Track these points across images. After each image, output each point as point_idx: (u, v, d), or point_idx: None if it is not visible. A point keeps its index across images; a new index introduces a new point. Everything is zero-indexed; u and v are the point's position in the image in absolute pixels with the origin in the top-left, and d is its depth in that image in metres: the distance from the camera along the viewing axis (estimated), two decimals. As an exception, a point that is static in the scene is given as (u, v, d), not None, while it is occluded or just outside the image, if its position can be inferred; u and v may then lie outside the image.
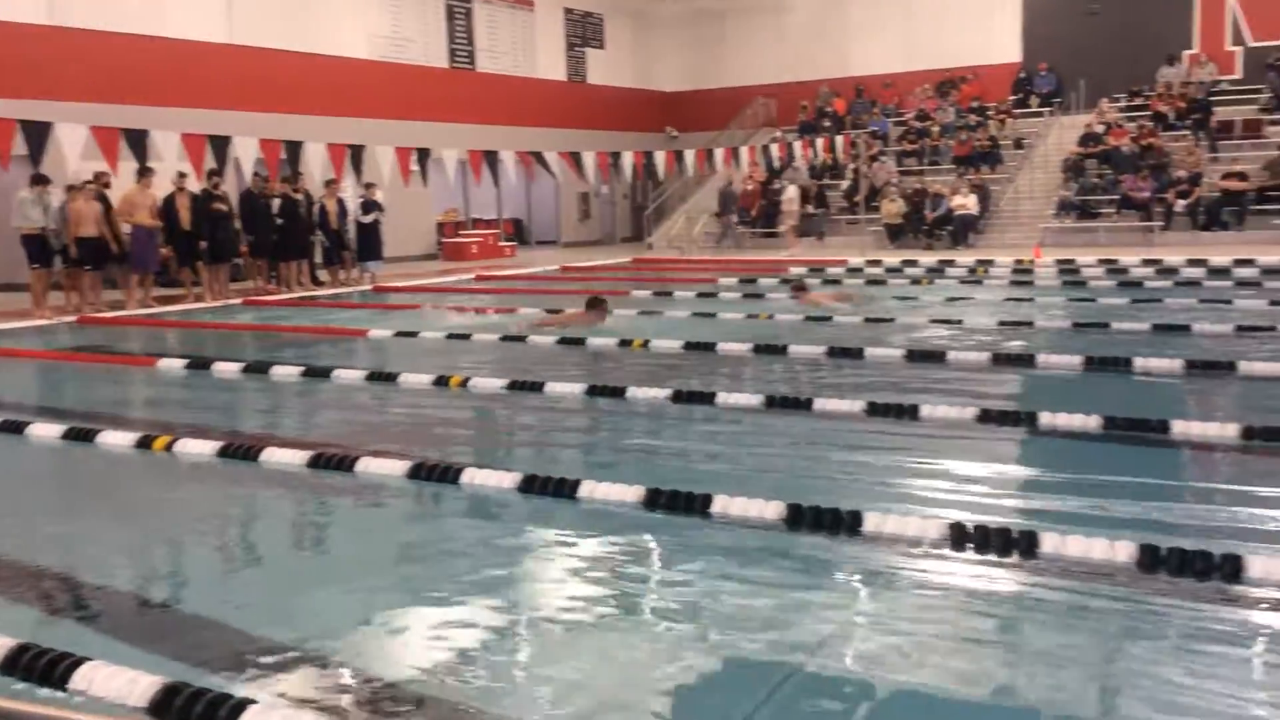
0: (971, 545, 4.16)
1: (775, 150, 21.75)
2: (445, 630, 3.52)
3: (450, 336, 10.61)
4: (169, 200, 15.09)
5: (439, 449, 6.13)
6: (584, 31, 28.49)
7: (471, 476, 5.16)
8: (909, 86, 26.68)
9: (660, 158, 19.32)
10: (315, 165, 15.70)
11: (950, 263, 17.44)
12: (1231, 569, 3.78)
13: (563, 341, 9.99)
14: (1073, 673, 3.16)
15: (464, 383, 7.79)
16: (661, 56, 30.60)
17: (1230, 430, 5.77)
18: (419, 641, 3.48)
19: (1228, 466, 5.60)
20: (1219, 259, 15.66)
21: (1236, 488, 5.33)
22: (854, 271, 16.98)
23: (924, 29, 26.73)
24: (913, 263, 17.77)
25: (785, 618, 3.58)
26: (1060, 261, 16.59)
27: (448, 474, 5.23)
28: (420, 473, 5.30)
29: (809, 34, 28.19)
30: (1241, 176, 19.45)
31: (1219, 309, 11.02)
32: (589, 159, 17.88)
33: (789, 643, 3.38)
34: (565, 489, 4.91)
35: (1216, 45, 23.96)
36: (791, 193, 22.56)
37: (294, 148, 15.25)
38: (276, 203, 16.41)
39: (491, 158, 17.03)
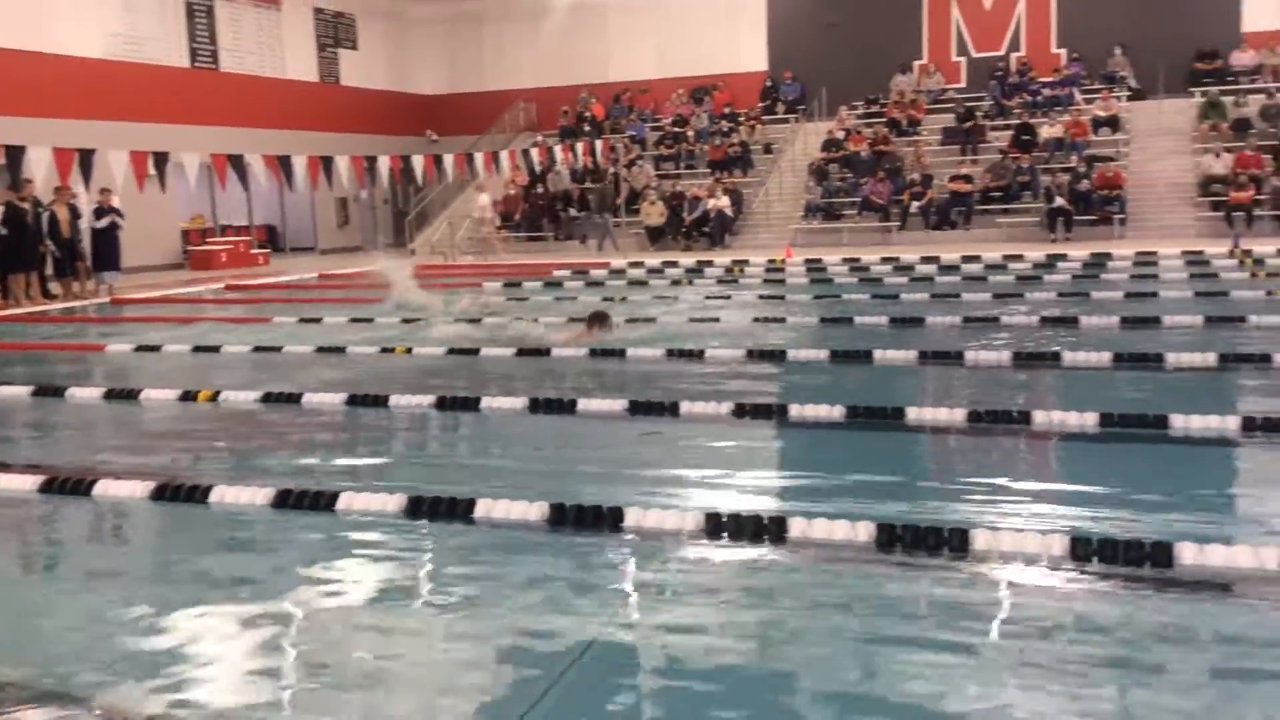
0: (727, 534, 4.32)
1: (536, 154, 21.85)
2: (202, 651, 3.36)
3: (198, 349, 10.10)
4: None
5: (187, 467, 5.84)
6: (335, 32, 27.73)
7: (222, 495, 4.94)
8: (664, 93, 27.37)
9: (419, 162, 19.04)
10: (40, 171, 14.59)
11: (708, 263, 17.99)
12: (959, 543, 4.08)
13: (321, 349, 9.69)
14: (832, 648, 3.35)
15: (214, 397, 7.44)
16: (419, 59, 30.17)
17: (959, 415, 6.22)
18: (174, 666, 3.30)
19: (958, 448, 6.04)
20: (949, 256, 16.83)
21: (965, 468, 5.78)
22: (616, 273, 17.26)
23: (677, 38, 27.48)
24: (673, 264, 18.24)
25: (552, 618, 3.61)
26: (809, 261, 17.41)
27: (195, 493, 4.99)
28: (166, 493, 5.03)
29: (567, 39, 28.46)
30: (967, 179, 20.99)
31: (950, 303, 11.85)
32: (343, 163, 17.42)
33: (559, 642, 3.41)
34: (323, 501, 4.77)
35: (944, 55, 25.78)
36: (484, 200, 22.64)
37: (15, 153, 14.12)
38: (-1, 211, 15.16)
39: (237, 161, 16.31)
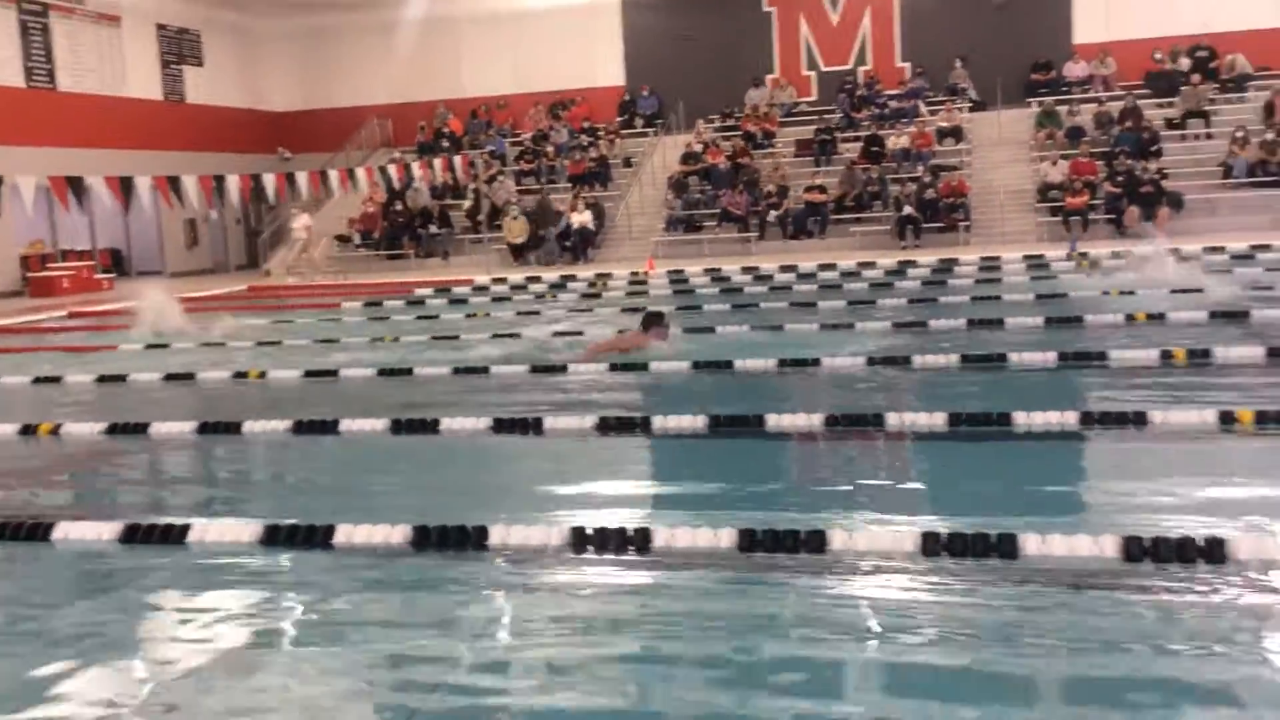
0: (592, 547, 4.34)
1: (394, 171, 21.55)
2: (49, 692, 3.21)
3: (38, 381, 9.63)
4: None
5: (28, 504, 5.56)
6: (180, 48, 26.84)
7: (65, 531, 4.72)
8: (523, 108, 27.32)
9: (271, 180, 18.57)
10: None
11: (572, 277, 18.03)
12: (817, 544, 4.18)
13: (169, 378, 9.35)
14: (701, 649, 3.39)
15: (55, 430, 7.11)
16: (269, 75, 29.43)
17: (817, 420, 6.38)
18: (19, 713, 3.14)
19: (816, 452, 6.19)
20: (806, 264, 17.24)
21: (824, 471, 5.93)
22: (480, 290, 17.14)
23: (533, 52, 27.46)
24: (537, 279, 18.21)
25: (418, 641, 3.57)
26: (671, 272, 17.60)
27: (38, 531, 4.76)
28: (6, 532, 4.78)
29: (421, 54, 28.14)
30: (821, 189, 21.55)
31: (807, 310, 12.14)
32: (190, 182, 16.86)
33: (425, 667, 3.38)
34: (174, 534, 4.61)
35: (795, 70, 26.41)
36: (302, 222, 22.32)
37: None
38: None
39: (77, 183, 15.63)
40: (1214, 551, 3.84)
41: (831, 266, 16.85)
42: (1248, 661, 3.17)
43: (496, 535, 4.41)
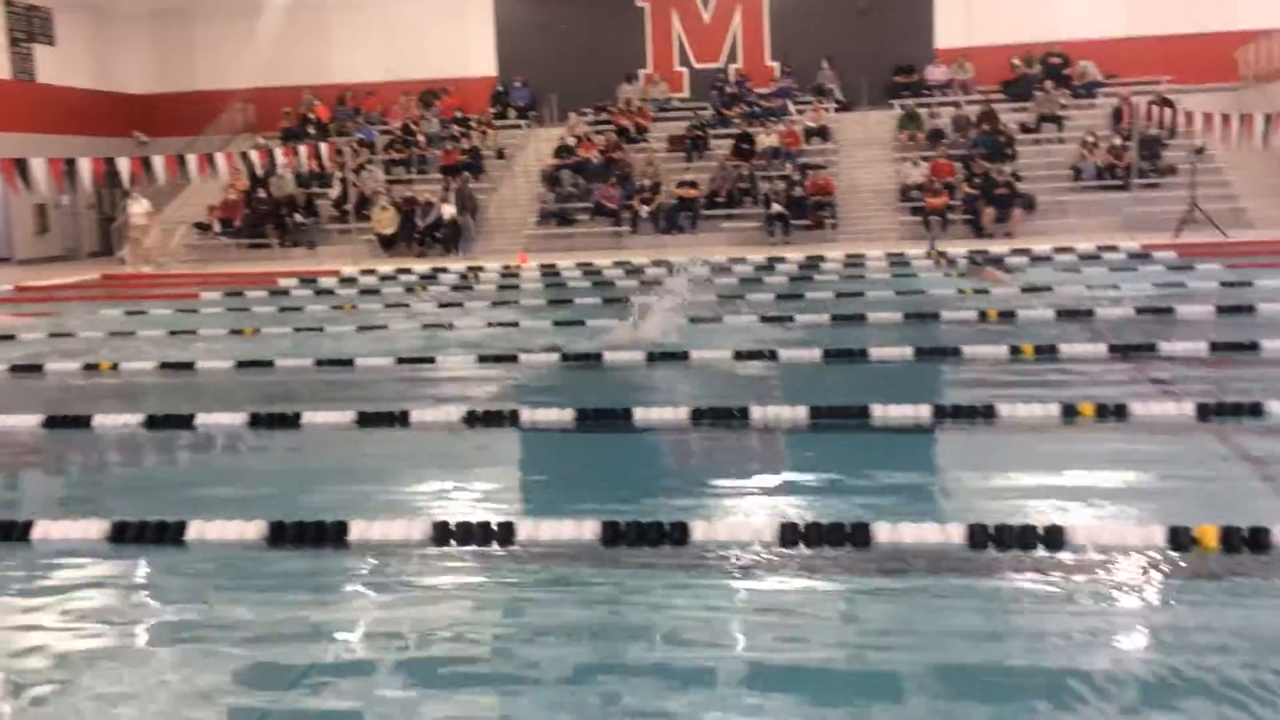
0: (454, 541, 4.32)
1: (256, 157, 20.94)
2: None
3: None
4: None
5: None
6: (29, 26, 25.55)
7: (-105, 532, 4.48)
8: (392, 96, 26.83)
9: (125, 164, 17.85)
10: None
11: (443, 270, 17.83)
12: (680, 536, 4.25)
13: (15, 369, 8.93)
14: (566, 646, 3.42)
15: (-114, 425, 6.73)
16: (125, 56, 28.23)
17: (682, 414, 6.46)
18: None
19: (682, 445, 6.27)
20: (677, 259, 17.39)
21: (689, 464, 6.01)
22: (348, 281, 16.81)
23: (404, 40, 27.00)
24: (407, 270, 17.96)
25: (273, 639, 3.51)
26: (544, 266, 17.56)
27: None
28: None
29: (286, 38, 27.39)
30: (692, 184, 21.76)
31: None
32: (38, 166, 16.09)
33: (280, 665, 3.33)
34: (16, 532, 4.42)
35: (667, 66, 26.59)
36: (140, 208, 21.65)
37: None
38: None
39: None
40: (1053, 538, 4.04)
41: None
42: (1082, 643, 3.34)
43: (357, 530, 4.35)
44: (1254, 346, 7.88)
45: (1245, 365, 7.56)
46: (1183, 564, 3.87)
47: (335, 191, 23.19)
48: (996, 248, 17.14)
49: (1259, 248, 15.44)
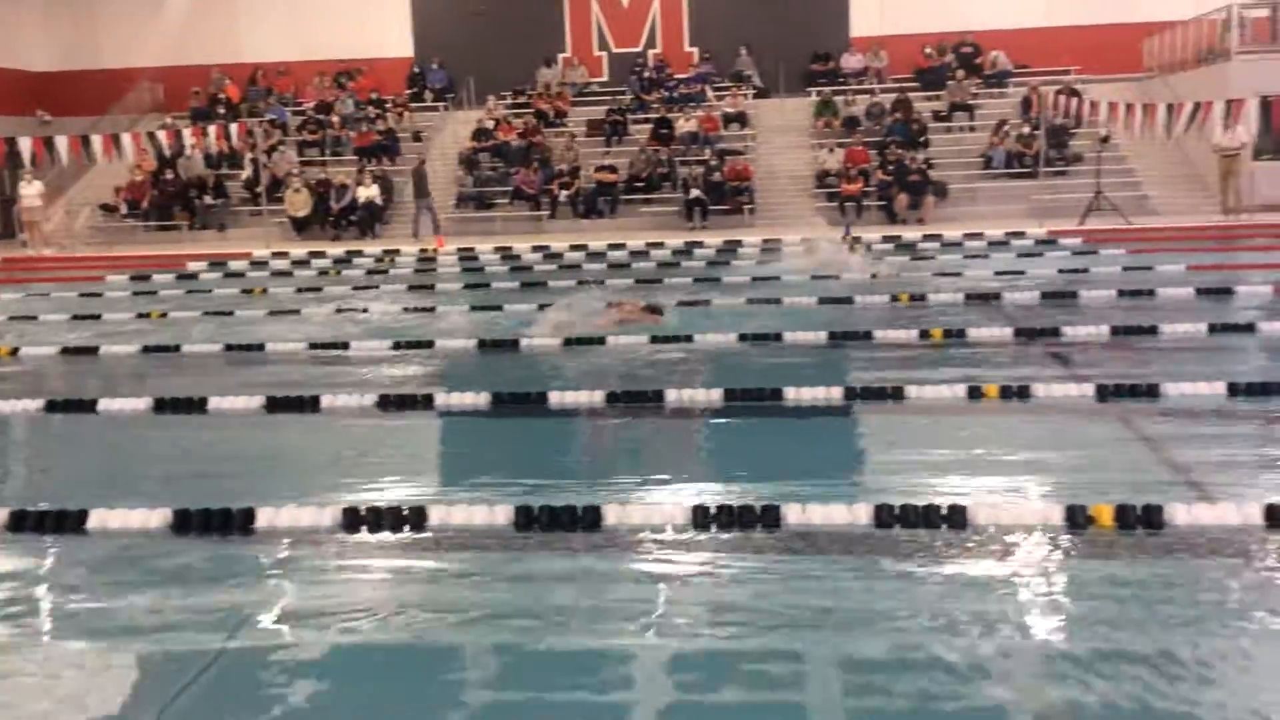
0: (367, 527, 4.28)
1: (164, 137, 20.40)
2: None
3: None
4: None
5: None
6: (-80, -4, 24.56)
7: None
8: (306, 76, 26.32)
9: (27, 144, 17.28)
10: None
11: (358, 253, 17.59)
12: (593, 520, 4.26)
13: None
14: (478, 627, 3.41)
15: None
16: (25, 32, 27.24)
17: (599, 397, 6.47)
18: None
19: (597, 429, 6.28)
20: (597, 243, 17.38)
21: (604, 447, 6.03)
22: (259, 265, 16.49)
23: (316, 18, 26.49)
24: (320, 254, 17.67)
25: (176, 628, 3.45)
26: (461, 250, 17.41)
27: None
28: None
29: (195, 15, 26.71)
30: (612, 169, 21.73)
31: (597, 289, 12.25)
32: (-67, 145, 15.50)
33: (183, 653, 3.27)
34: (-95, 524, 4.27)
35: (586, 50, 26.48)
36: (33, 189, 21.05)
37: None
38: None
39: None
40: (955, 517, 4.14)
41: (621, 246, 17.05)
42: (983, 617, 3.43)
43: (264, 517, 4.29)
44: (1153, 330, 8.13)
45: (1144, 348, 7.80)
46: (1080, 542, 3.99)
47: (246, 173, 22.70)
48: (910, 233, 17.43)
49: (1161, 234, 15.94)
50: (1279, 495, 4.28)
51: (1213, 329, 8.11)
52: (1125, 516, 4.04)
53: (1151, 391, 6.12)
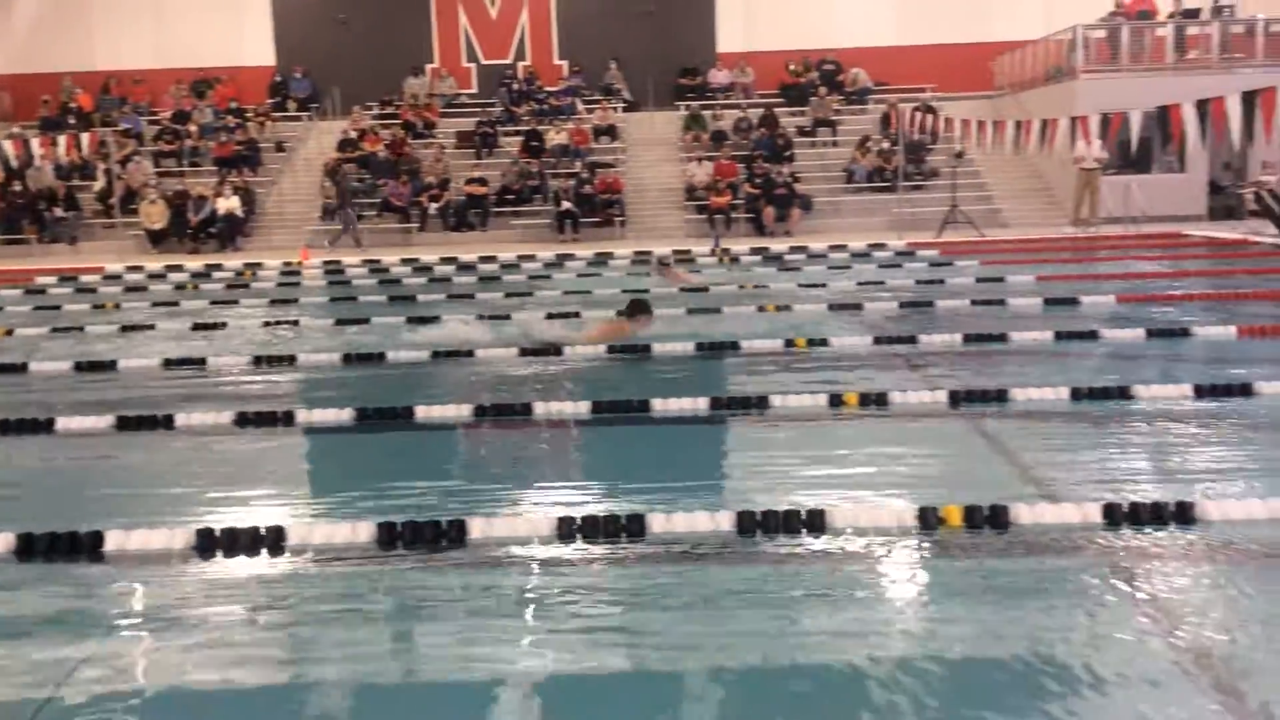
0: (221, 550, 4.17)
1: (10, 147, 19.50)
2: None
3: None
4: None
5: None
6: None
7: None
8: (162, 85, 25.51)
9: None
10: None
11: (218, 267, 17.09)
12: (457, 534, 4.23)
13: None
14: (343, 648, 3.35)
15: None
16: None
17: (465, 411, 6.43)
18: None
19: (464, 443, 6.23)
20: (467, 256, 17.25)
21: (470, 461, 5.99)
22: (112, 279, 15.86)
23: (173, 26, 25.69)
24: (178, 268, 17.11)
25: (14, 659, 3.30)
26: (327, 263, 17.07)
27: None
28: None
29: (45, 21, 25.63)
30: (482, 182, 21.62)
31: (465, 302, 12.17)
32: None
33: (24, 685, 3.13)
34: None
35: (455, 61, 26.30)
36: None
37: None
38: None
39: None
40: (815, 522, 4.24)
41: (492, 258, 16.96)
42: (841, 618, 3.52)
43: (114, 540, 4.14)
44: (1003, 338, 8.47)
45: (995, 355, 8.13)
46: (931, 542, 4.14)
47: (100, 184, 21.87)
48: (777, 245, 17.79)
49: (1012, 246, 16.62)
50: (1116, 494, 4.52)
51: (1059, 336, 8.50)
52: (973, 517, 4.20)
53: (1000, 396, 6.38)
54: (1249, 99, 12.80)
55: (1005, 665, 3.15)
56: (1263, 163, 18.09)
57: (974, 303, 10.55)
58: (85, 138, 21.14)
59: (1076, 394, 6.38)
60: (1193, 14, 21.77)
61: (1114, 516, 4.20)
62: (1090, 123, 15.83)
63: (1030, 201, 21.34)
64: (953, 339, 8.43)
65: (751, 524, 4.23)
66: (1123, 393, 6.44)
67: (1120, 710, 2.94)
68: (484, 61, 26.23)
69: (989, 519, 4.20)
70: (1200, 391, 6.38)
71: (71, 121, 23.87)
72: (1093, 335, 8.54)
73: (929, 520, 4.21)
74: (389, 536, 4.21)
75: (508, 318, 10.45)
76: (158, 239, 20.52)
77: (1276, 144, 15.64)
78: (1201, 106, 13.64)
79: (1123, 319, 9.41)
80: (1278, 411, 6.21)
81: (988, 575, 3.86)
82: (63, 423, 6.23)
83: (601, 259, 16.54)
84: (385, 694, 3.12)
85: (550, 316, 10.40)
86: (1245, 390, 6.39)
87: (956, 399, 6.36)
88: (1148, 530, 4.15)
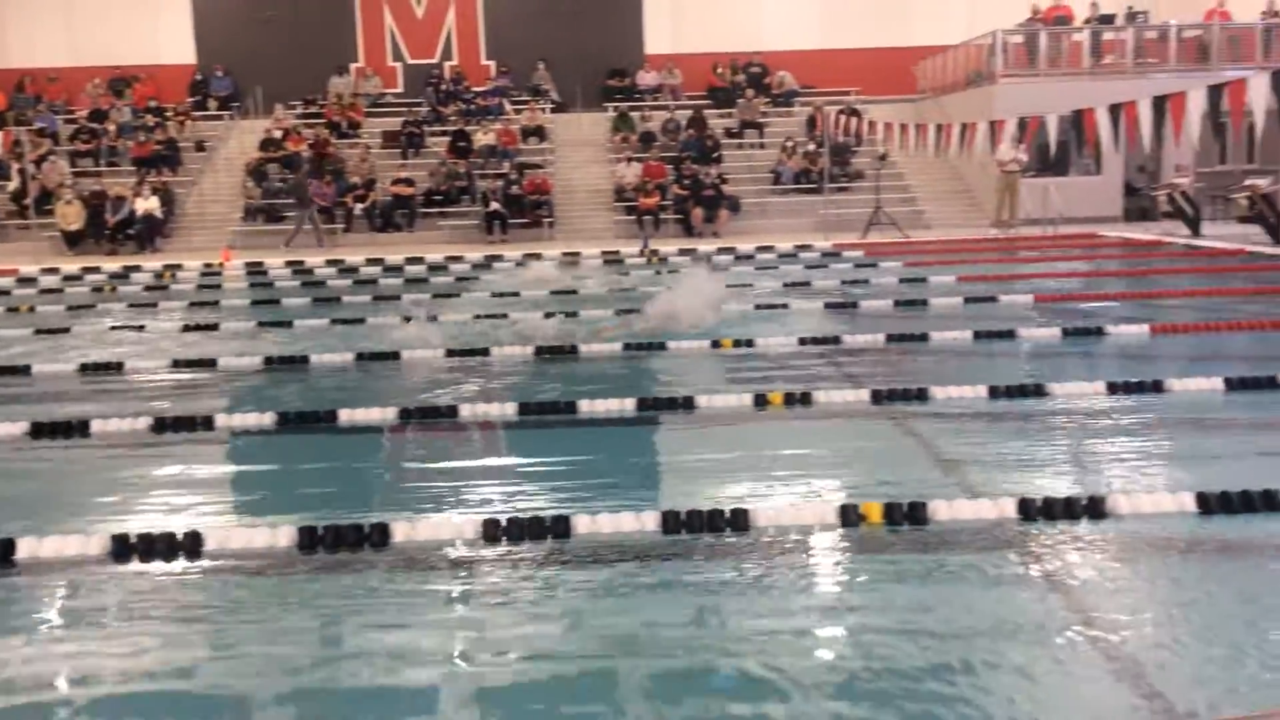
0: (136, 555, 4.09)
1: (-84, 146, 18.89)
2: None
3: None
4: None
5: None
6: None
7: None
8: (79, 82, 24.89)
9: None
10: None
11: (136, 268, 16.74)
12: (380, 537, 4.19)
13: None
14: (265, 653, 3.30)
15: None
16: None
17: (390, 413, 6.38)
18: None
19: (388, 445, 6.18)
20: (393, 257, 17.10)
21: (394, 464, 5.93)
22: (26, 281, 15.45)
23: (89, 23, 25.08)
24: (95, 269, 16.72)
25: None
26: (249, 264, 16.80)
27: None
28: None
29: (-48, 16, 24.88)
30: (409, 182, 21.43)
31: (391, 304, 12.05)
32: None
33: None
34: None
35: (380, 60, 26.01)
36: None
37: None
38: None
39: None
40: (739, 520, 4.28)
41: (419, 260, 16.83)
42: (762, 613, 3.56)
43: (25, 548, 4.04)
44: (924, 337, 8.61)
45: (916, 354, 8.27)
46: (852, 539, 4.20)
47: (13, 184, 21.28)
48: (705, 246, 17.89)
49: (934, 247, 16.91)
50: (1031, 490, 4.62)
51: (978, 336, 8.67)
52: (893, 514, 4.27)
53: (921, 395, 6.49)
54: (1159, 103, 13.16)
55: (920, 655, 3.21)
56: (1175, 165, 18.62)
57: (897, 303, 10.71)
58: (-3, 136, 20.56)
59: (994, 392, 6.51)
60: (1108, 20, 22.33)
61: (1029, 511, 4.30)
62: (1008, 126, 16.16)
63: (952, 203, 21.72)
64: (875, 339, 8.55)
65: (676, 524, 4.25)
66: (1039, 390, 6.59)
67: (1032, 691, 3.01)
68: (410, 61, 26.00)
69: (908, 515, 4.27)
70: (1114, 389, 6.55)
71: (-16, 120, 23.19)
72: (1010, 335, 8.72)
73: (850, 517, 4.27)
74: (310, 540, 4.17)
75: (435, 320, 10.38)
76: (74, 240, 20.03)
77: (1186, 147, 16.13)
78: (1115, 111, 14.00)
79: (1040, 318, 9.62)
80: (1188, 407, 6.40)
81: (904, 571, 3.93)
82: (-25, 429, 6.06)
83: (530, 260, 16.48)
84: (307, 698, 3.09)
85: (477, 318, 10.34)
86: (1157, 387, 6.57)
87: (879, 397, 6.46)
88: (1062, 524, 4.25)
